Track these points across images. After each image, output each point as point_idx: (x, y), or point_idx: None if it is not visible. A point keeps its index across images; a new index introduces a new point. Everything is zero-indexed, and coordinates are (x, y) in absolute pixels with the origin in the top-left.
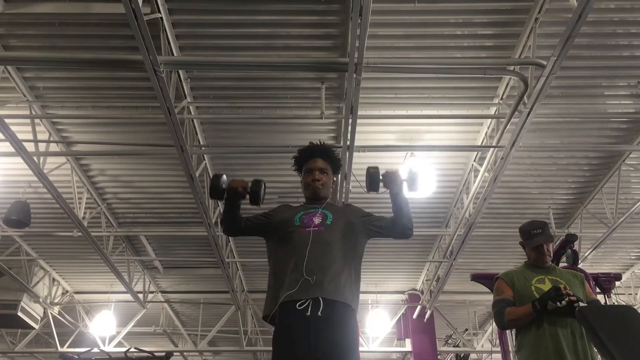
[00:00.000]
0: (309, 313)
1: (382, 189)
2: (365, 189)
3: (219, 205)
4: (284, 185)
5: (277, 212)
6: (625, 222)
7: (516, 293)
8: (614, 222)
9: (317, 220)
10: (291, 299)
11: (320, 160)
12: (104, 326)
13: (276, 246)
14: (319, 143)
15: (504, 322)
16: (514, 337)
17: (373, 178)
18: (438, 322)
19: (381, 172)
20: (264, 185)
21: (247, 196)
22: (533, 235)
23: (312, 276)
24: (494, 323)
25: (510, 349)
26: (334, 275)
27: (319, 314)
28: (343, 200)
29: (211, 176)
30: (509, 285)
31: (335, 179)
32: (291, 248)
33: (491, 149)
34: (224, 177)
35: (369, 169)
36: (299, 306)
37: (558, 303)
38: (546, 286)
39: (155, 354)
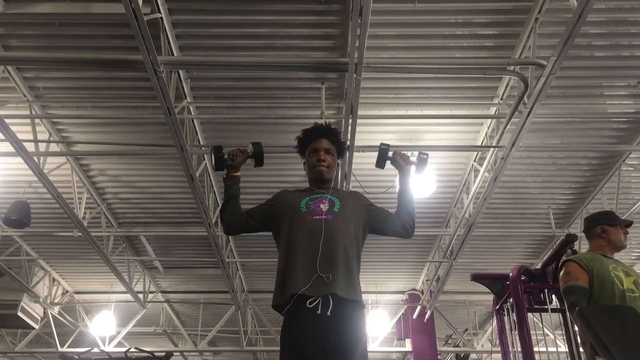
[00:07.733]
0: (319, 311)
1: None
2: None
3: (219, 205)
4: (284, 186)
5: (280, 197)
6: None
7: (596, 277)
8: None
9: (324, 207)
10: (303, 294)
11: (325, 141)
12: (104, 326)
13: (283, 232)
14: (323, 124)
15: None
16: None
17: (381, 154)
18: (438, 322)
19: (391, 150)
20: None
21: (250, 159)
22: (621, 220)
23: (326, 273)
24: (494, 323)
25: (510, 349)
26: (346, 272)
27: (328, 313)
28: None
29: (211, 148)
30: (584, 270)
31: (339, 162)
32: (300, 236)
33: (491, 149)
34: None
35: (381, 144)
36: (309, 304)
37: None
38: (621, 274)
39: (155, 354)
